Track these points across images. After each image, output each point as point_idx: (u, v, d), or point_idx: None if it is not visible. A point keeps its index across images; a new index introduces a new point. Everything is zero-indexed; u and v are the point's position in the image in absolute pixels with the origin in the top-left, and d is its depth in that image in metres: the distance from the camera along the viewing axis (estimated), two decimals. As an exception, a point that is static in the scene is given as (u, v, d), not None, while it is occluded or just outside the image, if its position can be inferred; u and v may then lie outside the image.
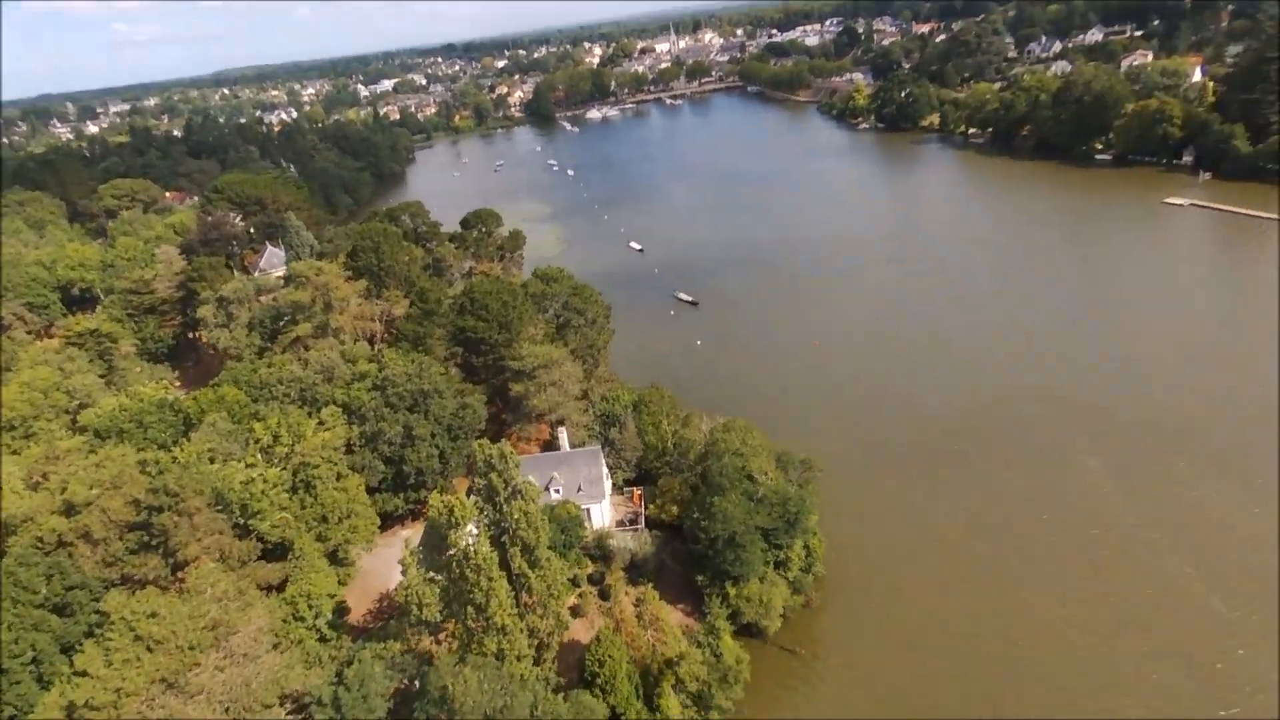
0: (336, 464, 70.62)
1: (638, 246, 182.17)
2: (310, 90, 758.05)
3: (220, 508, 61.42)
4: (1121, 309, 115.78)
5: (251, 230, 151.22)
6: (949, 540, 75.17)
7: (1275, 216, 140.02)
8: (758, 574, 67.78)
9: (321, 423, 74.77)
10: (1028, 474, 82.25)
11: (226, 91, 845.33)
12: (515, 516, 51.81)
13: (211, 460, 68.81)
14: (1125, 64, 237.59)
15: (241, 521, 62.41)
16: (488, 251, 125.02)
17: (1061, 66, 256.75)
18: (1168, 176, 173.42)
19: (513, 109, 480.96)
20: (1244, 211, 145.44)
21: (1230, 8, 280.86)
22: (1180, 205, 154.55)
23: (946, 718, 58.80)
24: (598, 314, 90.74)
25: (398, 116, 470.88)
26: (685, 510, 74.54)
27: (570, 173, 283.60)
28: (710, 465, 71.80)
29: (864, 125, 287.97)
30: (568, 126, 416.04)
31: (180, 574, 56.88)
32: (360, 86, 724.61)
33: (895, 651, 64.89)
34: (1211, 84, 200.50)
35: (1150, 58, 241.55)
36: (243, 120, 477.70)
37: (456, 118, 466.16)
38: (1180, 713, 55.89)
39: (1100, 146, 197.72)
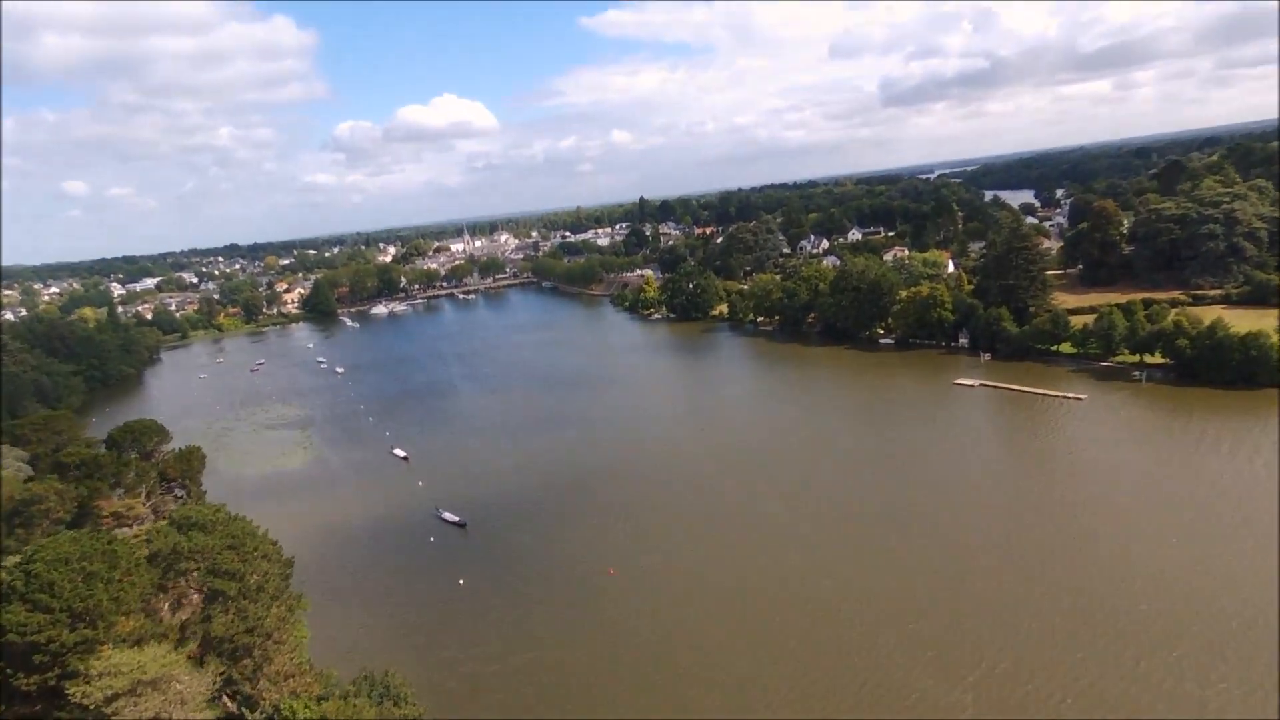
0: None
1: (402, 454, 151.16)
2: (54, 289, 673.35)
3: None
4: (952, 498, 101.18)
5: None
6: None
7: (1056, 394, 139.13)
8: None
9: None
10: None
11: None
12: None
13: None
14: (888, 257, 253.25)
15: None
16: (144, 481, 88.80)
17: (832, 260, 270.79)
18: (951, 359, 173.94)
19: (289, 305, 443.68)
20: (1027, 390, 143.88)
21: (961, 213, 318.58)
22: (971, 386, 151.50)
23: None
24: (268, 576, 58.84)
25: (150, 316, 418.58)
26: None
27: (339, 371, 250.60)
28: None
29: (656, 316, 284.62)
30: (349, 323, 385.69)
31: None
32: (117, 285, 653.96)
33: None
34: (964, 274, 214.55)
35: (907, 253, 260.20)
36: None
37: (221, 315, 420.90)
38: None
39: (882, 331, 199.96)
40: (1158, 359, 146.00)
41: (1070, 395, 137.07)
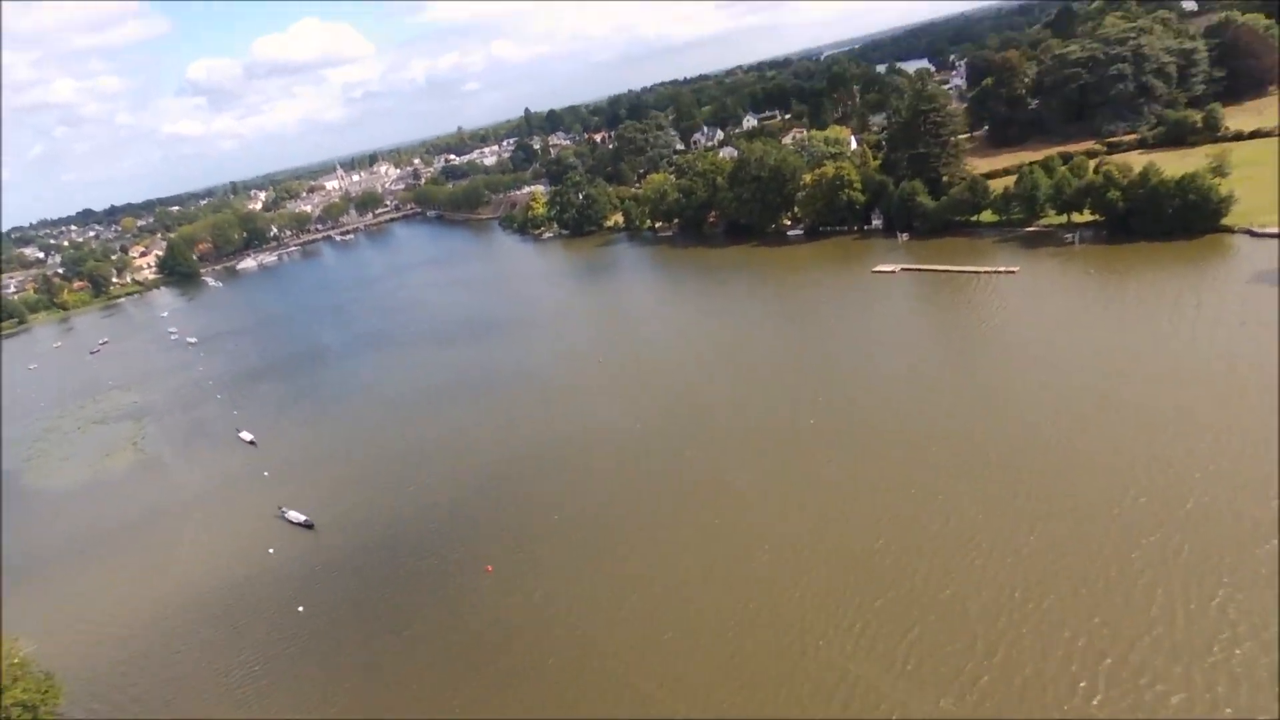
0: None
1: (249, 438, 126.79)
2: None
3: None
4: (894, 407, 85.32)
5: None
6: None
7: (986, 269, 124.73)
8: None
9: None
10: None
11: None
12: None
13: None
14: (786, 140, 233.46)
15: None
16: None
17: (729, 151, 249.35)
18: (866, 244, 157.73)
19: (146, 271, 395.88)
20: (953, 269, 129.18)
21: (857, 86, 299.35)
22: (891, 272, 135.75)
23: None
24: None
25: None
26: None
27: (191, 342, 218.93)
28: None
29: (548, 235, 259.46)
30: (211, 283, 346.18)
31: None
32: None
33: None
34: (868, 150, 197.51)
35: (807, 133, 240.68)
36: None
37: (65, 292, 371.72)
38: None
39: (789, 221, 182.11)
40: (1086, 217, 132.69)
41: (1002, 269, 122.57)
